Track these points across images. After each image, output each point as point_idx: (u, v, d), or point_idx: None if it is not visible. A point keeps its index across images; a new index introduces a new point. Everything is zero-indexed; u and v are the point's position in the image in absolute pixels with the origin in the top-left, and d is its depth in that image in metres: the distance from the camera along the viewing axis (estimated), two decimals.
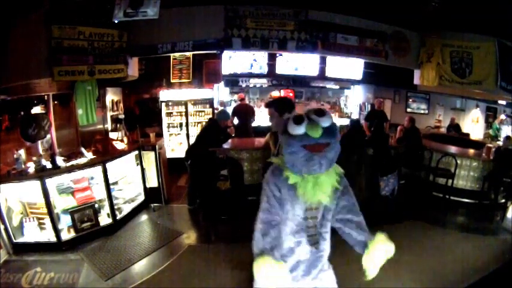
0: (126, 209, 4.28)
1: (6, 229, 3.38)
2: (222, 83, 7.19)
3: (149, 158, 4.59)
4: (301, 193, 1.54)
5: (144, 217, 4.39)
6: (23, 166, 3.42)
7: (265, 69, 7.26)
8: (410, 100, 9.20)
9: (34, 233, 3.53)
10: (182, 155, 4.88)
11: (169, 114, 6.30)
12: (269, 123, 2.62)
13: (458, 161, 4.90)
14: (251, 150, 4.77)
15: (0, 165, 3.46)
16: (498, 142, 6.19)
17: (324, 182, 1.55)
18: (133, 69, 5.09)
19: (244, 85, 7.81)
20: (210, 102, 6.38)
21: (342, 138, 4.66)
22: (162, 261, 3.33)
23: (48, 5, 3.87)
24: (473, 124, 8.51)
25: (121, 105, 6.68)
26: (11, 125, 4.13)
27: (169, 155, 5.74)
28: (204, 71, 6.45)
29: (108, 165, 3.90)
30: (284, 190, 1.58)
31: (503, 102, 7.42)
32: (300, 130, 1.49)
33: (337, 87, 8.58)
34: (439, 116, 8.95)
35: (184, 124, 6.31)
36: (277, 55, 7.06)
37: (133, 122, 5.25)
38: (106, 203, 3.94)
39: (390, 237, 1.64)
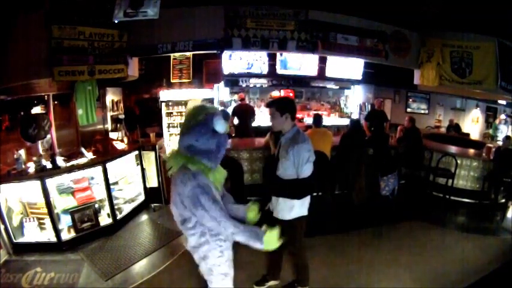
0: (126, 209, 4.28)
1: (6, 229, 3.38)
2: (222, 83, 7.19)
3: (149, 158, 4.59)
4: (216, 184, 1.75)
5: (144, 217, 4.39)
6: (23, 166, 3.42)
7: (265, 69, 7.27)
8: (410, 100, 9.21)
9: (34, 233, 3.53)
10: None
11: (169, 114, 6.30)
12: (269, 123, 2.61)
13: (458, 161, 4.90)
14: (251, 150, 4.77)
15: (0, 165, 3.46)
16: (498, 142, 6.19)
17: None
18: (133, 69, 5.09)
19: (244, 85, 7.80)
20: (210, 102, 6.38)
21: (341, 138, 4.70)
22: (162, 261, 3.33)
23: (48, 5, 3.86)
24: (473, 124, 8.52)
25: (121, 105, 6.68)
26: (11, 125, 4.13)
27: None
28: (204, 71, 6.45)
29: (108, 165, 3.89)
30: (212, 185, 1.72)
31: (503, 102, 7.44)
32: (227, 126, 1.69)
33: (337, 87, 8.57)
34: (439, 116, 8.96)
35: None
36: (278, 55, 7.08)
37: (133, 122, 5.25)
38: (106, 203, 3.94)
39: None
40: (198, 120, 1.66)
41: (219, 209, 1.65)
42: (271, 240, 1.70)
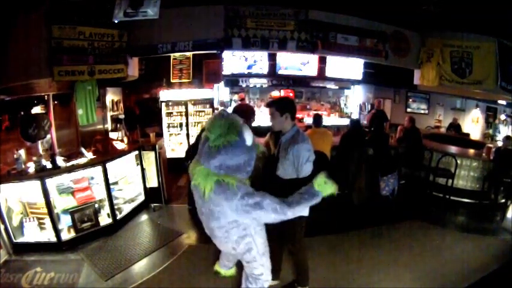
0: (126, 209, 4.27)
1: (6, 229, 3.38)
2: (222, 83, 7.19)
3: (149, 158, 4.58)
4: None
5: (144, 217, 4.39)
6: (23, 166, 3.42)
7: (265, 69, 7.27)
8: (410, 100, 9.21)
9: (34, 233, 3.53)
10: (182, 155, 4.88)
11: (169, 114, 6.30)
12: (269, 123, 2.61)
13: (458, 161, 4.90)
14: None
15: (0, 165, 3.46)
16: (497, 142, 6.19)
17: None
18: (133, 69, 5.10)
19: (244, 85, 7.80)
20: (210, 102, 6.38)
21: (341, 138, 4.70)
22: (162, 261, 3.33)
23: (48, 5, 3.87)
24: (473, 124, 8.52)
25: (121, 105, 6.68)
26: (11, 125, 4.13)
27: (169, 155, 5.73)
28: (204, 71, 6.44)
29: (108, 165, 3.89)
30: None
31: (503, 102, 7.43)
32: None
33: (337, 87, 8.58)
34: (439, 116, 8.95)
35: (184, 124, 6.31)
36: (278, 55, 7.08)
37: (133, 122, 5.25)
38: (106, 203, 3.94)
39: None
40: (231, 140, 1.69)
41: (271, 198, 1.77)
42: (324, 187, 1.87)
